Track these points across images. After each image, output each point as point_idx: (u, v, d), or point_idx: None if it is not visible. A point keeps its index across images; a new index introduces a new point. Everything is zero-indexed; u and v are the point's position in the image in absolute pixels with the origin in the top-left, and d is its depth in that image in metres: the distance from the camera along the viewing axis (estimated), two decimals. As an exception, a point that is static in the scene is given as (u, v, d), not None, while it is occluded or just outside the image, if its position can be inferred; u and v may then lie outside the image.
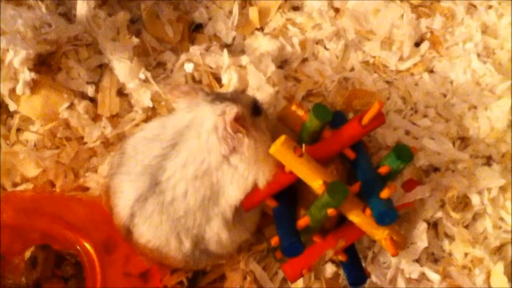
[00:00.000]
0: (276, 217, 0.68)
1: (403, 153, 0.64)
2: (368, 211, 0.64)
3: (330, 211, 0.61)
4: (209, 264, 0.76)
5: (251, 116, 0.67)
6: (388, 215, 0.62)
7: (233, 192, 0.66)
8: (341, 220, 0.71)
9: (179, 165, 0.65)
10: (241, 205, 0.67)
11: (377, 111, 0.65)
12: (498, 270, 0.76)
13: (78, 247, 0.65)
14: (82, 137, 0.81)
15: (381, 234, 0.66)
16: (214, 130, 0.64)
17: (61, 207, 0.74)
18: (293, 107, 0.68)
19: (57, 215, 0.69)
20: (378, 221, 0.63)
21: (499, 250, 0.79)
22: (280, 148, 0.62)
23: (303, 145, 0.65)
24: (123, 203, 0.68)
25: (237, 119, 0.63)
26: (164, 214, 0.66)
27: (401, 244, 0.67)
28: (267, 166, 0.66)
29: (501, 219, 0.80)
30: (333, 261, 0.78)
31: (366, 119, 0.67)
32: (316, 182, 0.63)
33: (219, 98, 0.67)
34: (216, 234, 0.68)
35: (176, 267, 0.75)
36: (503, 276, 0.75)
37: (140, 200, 0.66)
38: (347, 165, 0.71)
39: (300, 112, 0.68)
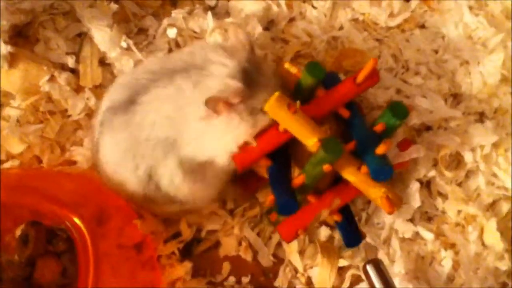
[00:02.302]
0: (271, 176, 0.68)
1: (399, 110, 0.65)
2: (363, 169, 0.64)
3: (326, 167, 0.61)
4: (166, 209, 0.74)
5: (251, 110, 0.64)
6: (383, 171, 0.62)
7: (189, 150, 0.65)
8: (335, 182, 0.70)
9: (162, 96, 0.64)
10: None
11: (372, 68, 0.65)
12: (491, 226, 0.76)
13: (67, 223, 0.64)
14: (66, 110, 0.79)
15: (377, 192, 0.66)
16: (210, 88, 0.62)
17: (49, 183, 0.73)
18: (286, 65, 0.68)
19: (45, 191, 0.67)
20: (373, 177, 0.63)
21: (492, 207, 0.79)
22: (273, 104, 0.61)
23: (297, 102, 0.63)
24: (98, 112, 0.68)
25: (229, 98, 0.62)
26: (126, 132, 0.66)
27: (397, 203, 0.67)
28: (227, 148, 0.65)
29: (494, 175, 0.80)
30: (327, 225, 0.78)
31: (360, 77, 0.66)
32: (310, 139, 0.62)
33: (250, 73, 0.64)
34: (170, 172, 0.67)
35: (137, 203, 0.73)
36: (496, 232, 0.75)
37: (110, 110, 0.66)
38: (341, 126, 0.70)
39: (293, 70, 0.67)
